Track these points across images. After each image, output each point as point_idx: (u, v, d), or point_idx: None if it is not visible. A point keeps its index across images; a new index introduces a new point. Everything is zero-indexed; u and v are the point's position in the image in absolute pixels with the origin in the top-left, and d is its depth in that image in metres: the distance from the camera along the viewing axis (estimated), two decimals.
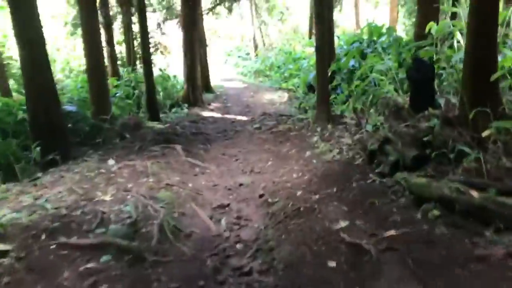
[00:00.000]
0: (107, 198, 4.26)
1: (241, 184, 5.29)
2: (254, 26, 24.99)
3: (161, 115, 11.86)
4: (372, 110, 6.40)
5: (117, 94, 10.69)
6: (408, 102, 5.21)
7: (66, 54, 18.70)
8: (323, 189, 4.24)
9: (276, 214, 4.00)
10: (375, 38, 10.31)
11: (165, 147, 6.76)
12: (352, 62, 8.57)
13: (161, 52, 18.17)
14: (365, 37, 10.83)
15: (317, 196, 4.07)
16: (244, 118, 11.30)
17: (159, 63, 18.98)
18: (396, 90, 6.28)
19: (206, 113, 12.28)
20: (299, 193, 4.37)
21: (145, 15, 10.86)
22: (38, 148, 6.16)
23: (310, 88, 11.97)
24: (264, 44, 25.62)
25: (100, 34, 8.82)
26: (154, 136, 7.76)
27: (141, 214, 3.90)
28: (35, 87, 6.60)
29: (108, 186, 4.71)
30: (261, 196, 4.74)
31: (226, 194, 5.01)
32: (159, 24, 17.31)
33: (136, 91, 11.60)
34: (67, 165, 5.92)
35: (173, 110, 12.72)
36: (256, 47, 25.08)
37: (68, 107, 7.95)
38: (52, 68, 14.29)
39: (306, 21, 19.95)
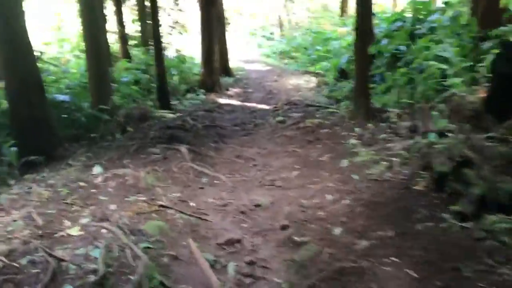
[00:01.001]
0: (74, 232, 3.15)
1: (258, 205, 4.10)
2: (280, 3, 23.45)
3: (174, 102, 10.79)
4: (432, 111, 5.07)
5: (124, 80, 9.57)
6: (483, 102, 3.90)
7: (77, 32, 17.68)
8: (373, 228, 3.03)
9: (306, 268, 2.81)
10: (421, 17, 8.84)
11: (168, 148, 5.61)
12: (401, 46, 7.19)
13: (179, 32, 16.95)
14: (409, 15, 9.36)
15: (365, 243, 2.86)
16: (266, 107, 10.07)
17: (176, 43, 17.85)
18: (464, 84, 4.94)
19: (223, 100, 11.10)
20: (337, 231, 3.16)
21: None
22: (13, 148, 5.12)
23: (342, 73, 10.62)
24: (290, 24, 24.10)
25: (100, 9, 7.66)
26: (159, 132, 6.63)
27: (114, 263, 2.77)
28: (14, 73, 5.53)
29: (83, 210, 3.60)
30: (284, 227, 3.54)
31: (237, 220, 3.84)
32: (176, 0, 16.06)
33: (146, 75, 10.46)
34: (45, 172, 4.85)
35: (188, 96, 11.59)
36: (281, 26, 23.57)
37: (60, 96, 6.88)
38: (61, 47, 13.37)
39: None
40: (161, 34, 13.53)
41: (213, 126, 7.80)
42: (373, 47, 7.97)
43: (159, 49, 9.48)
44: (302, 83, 13.29)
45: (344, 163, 4.68)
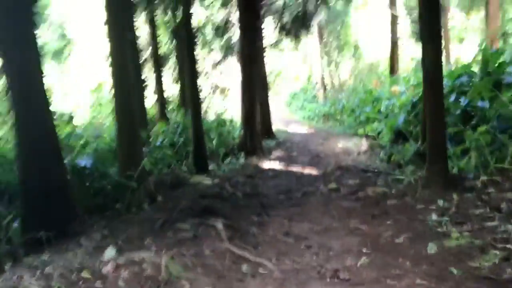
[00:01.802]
0: None
1: None
2: (323, 65, 23.10)
3: (211, 167, 9.99)
4: None
5: (158, 143, 8.90)
6: None
7: None
8: None
9: None
10: (490, 70, 7.79)
11: (201, 223, 4.63)
12: (478, 102, 6.10)
13: (220, 95, 16.61)
14: (475, 68, 8.33)
15: None
16: (314, 172, 9.04)
17: (216, 106, 17.48)
18: None
19: (265, 164, 10.17)
20: None
21: (193, 49, 9.18)
22: (15, 224, 4.29)
23: (398, 135, 9.53)
24: (333, 86, 23.55)
25: (133, 68, 7.09)
26: (191, 202, 5.69)
27: None
28: (26, 136, 4.85)
29: None
30: None
31: None
32: (216, 64, 15.83)
33: (181, 139, 9.77)
34: (48, 253, 3.95)
35: (227, 160, 10.77)
36: (324, 88, 23.04)
37: (82, 161, 6.15)
38: (97, 111, 13.11)
39: (385, 55, 17.71)
40: (200, 97, 13.15)
41: (255, 194, 6.81)
42: None
43: (196, 111, 8.82)
44: (351, 146, 12.24)
45: (432, 248, 3.51)
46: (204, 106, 16.48)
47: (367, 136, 13.22)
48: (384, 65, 20.70)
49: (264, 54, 14.04)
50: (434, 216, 4.22)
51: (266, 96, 14.03)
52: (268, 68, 25.90)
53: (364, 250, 3.95)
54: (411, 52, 18.54)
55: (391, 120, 9.45)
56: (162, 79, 12.76)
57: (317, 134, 15.63)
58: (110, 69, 6.74)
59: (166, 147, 9.21)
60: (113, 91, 6.85)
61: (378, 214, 4.88)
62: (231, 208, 5.55)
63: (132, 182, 6.53)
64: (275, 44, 15.12)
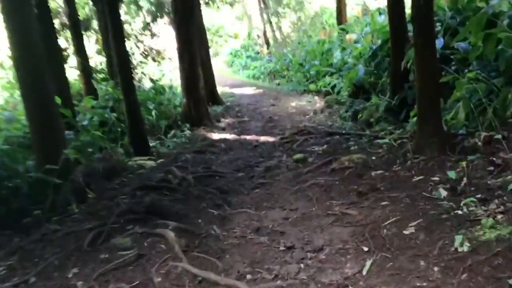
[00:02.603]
0: None
1: None
2: (263, 19, 21.77)
3: (153, 144, 8.78)
4: None
5: (85, 123, 7.54)
6: None
7: None
8: None
9: None
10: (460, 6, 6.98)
11: (146, 234, 3.52)
12: (460, 43, 5.23)
13: (153, 59, 15.04)
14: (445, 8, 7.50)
15: None
16: (271, 138, 8.10)
17: (152, 73, 15.91)
18: None
19: (215, 135, 9.10)
20: None
21: (116, 9, 7.69)
22: None
23: (359, 89, 8.70)
24: (276, 40, 22.38)
25: (36, 32, 5.57)
26: (131, 199, 4.56)
27: None
28: None
29: None
30: None
31: None
32: (147, 24, 14.17)
33: (114, 114, 8.41)
34: None
35: (171, 133, 9.55)
36: (267, 44, 21.84)
37: None
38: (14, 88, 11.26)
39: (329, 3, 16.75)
40: (131, 64, 11.70)
41: (209, 176, 5.75)
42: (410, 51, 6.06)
43: (127, 79, 7.48)
44: (306, 105, 11.40)
45: (461, 243, 2.64)
46: (138, 74, 14.92)
47: (320, 92, 12.42)
48: (328, 15, 19.76)
49: (201, 9, 12.62)
50: (442, 192, 3.37)
51: (207, 56, 12.72)
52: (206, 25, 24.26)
53: (364, 248, 3.05)
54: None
55: (350, 72, 8.57)
56: (86, 47, 11.06)
57: (266, 94, 14.65)
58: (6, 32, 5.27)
59: (95, 127, 7.85)
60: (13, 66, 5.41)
61: (365, 192, 3.99)
62: (182, 201, 4.47)
63: (53, 178, 5.27)
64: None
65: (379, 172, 4.36)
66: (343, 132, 6.60)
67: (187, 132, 9.58)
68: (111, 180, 5.96)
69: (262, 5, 21.47)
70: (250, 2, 21.93)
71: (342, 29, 12.30)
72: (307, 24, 20.37)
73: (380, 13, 9.01)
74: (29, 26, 5.23)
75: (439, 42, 5.92)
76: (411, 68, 6.38)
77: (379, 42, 8.29)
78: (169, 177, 5.44)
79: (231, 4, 19.15)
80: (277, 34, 23.26)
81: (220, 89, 15.55)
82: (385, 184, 4.02)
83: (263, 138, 8.26)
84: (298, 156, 5.88)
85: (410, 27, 6.61)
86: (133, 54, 14.76)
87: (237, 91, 15.81)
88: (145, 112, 9.87)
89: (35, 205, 4.97)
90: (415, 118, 4.81)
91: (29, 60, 5.16)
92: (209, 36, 27.11)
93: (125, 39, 13.79)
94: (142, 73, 14.67)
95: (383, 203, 3.63)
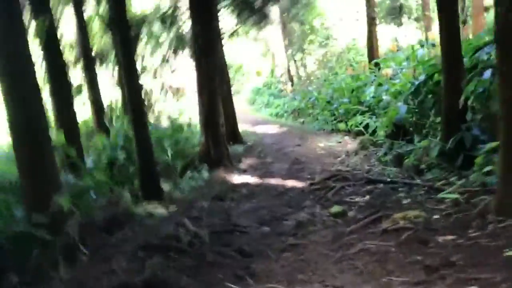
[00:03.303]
0: None
1: None
2: (287, 55, 21.25)
3: (167, 187, 7.92)
4: None
5: (89, 164, 6.76)
6: None
7: None
8: None
9: None
10: None
11: None
12: None
13: (173, 95, 14.44)
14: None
15: None
16: (299, 184, 7.15)
17: (170, 110, 15.30)
18: None
19: (236, 178, 8.21)
20: None
21: (129, 43, 7.02)
22: None
23: (398, 129, 7.75)
24: (300, 77, 21.74)
25: (29, 63, 4.84)
26: (129, 264, 3.64)
27: None
28: None
29: None
30: None
31: None
32: (165, 59, 13.65)
33: (123, 155, 7.62)
34: None
35: (187, 174, 8.69)
36: (291, 81, 21.22)
37: None
38: None
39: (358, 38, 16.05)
40: (144, 100, 11.04)
41: (228, 231, 4.81)
42: (472, 84, 5.14)
43: (138, 117, 6.71)
44: (336, 146, 10.46)
45: None
46: (155, 111, 14.32)
47: (350, 132, 11.51)
48: (354, 51, 19.11)
49: (222, 44, 12.03)
50: None
51: (229, 93, 12.02)
52: (227, 61, 23.90)
53: None
54: (385, 34, 16.99)
55: (389, 111, 7.65)
56: (100, 81, 10.49)
57: (291, 133, 13.77)
58: None
59: (100, 168, 7.06)
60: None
61: (436, 266, 2.99)
62: (193, 270, 3.52)
63: (42, 231, 4.43)
64: (233, 33, 13.13)
65: (449, 237, 3.36)
66: (388, 180, 5.60)
67: (205, 174, 8.70)
68: (112, 233, 5.09)
69: (286, 42, 21.01)
70: (274, 38, 21.51)
71: (376, 64, 11.48)
72: (333, 61, 19.77)
73: (421, 45, 8.17)
74: (22, 52, 4.53)
75: None
76: (469, 106, 5.47)
77: (422, 77, 7.39)
78: (179, 232, 4.52)
79: (255, 40, 18.65)
80: (301, 71, 22.68)
81: (241, 127, 14.81)
82: (463, 257, 3.01)
83: (289, 183, 7.32)
84: (336, 209, 4.91)
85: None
86: (151, 90, 14.25)
87: (260, 129, 15.00)
88: (161, 151, 9.13)
89: (18, 266, 4.13)
90: (488, 168, 3.84)
91: (18, 89, 4.42)
92: (230, 74, 26.94)
93: (142, 72, 13.31)
94: (159, 111, 14.06)
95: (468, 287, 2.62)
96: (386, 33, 16.89)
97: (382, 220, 4.11)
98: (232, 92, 14.56)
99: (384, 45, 16.26)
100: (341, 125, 11.75)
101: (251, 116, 19.55)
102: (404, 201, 4.65)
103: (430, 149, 5.63)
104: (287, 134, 13.54)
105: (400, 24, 16.21)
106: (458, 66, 5.46)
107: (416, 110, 7.32)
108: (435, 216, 3.89)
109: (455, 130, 5.52)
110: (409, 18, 16.21)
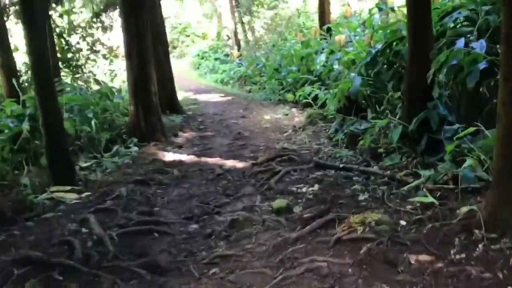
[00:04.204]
0: None
1: None
2: (234, 17, 19.89)
3: (88, 163, 6.85)
4: None
5: None
6: None
7: None
8: None
9: None
10: None
11: None
12: None
13: (104, 56, 12.91)
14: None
15: None
16: (240, 163, 6.26)
17: (103, 73, 13.78)
18: None
19: (169, 155, 7.16)
20: None
21: None
22: None
23: (352, 104, 6.94)
24: (248, 42, 20.53)
25: None
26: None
27: None
28: None
29: None
30: None
31: None
32: (96, 15, 12.04)
33: (27, 127, 6.33)
34: None
35: (113, 150, 7.52)
36: (238, 45, 19.96)
37: None
38: None
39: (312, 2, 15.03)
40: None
41: (144, 232, 3.81)
42: (442, 55, 4.31)
43: (44, 77, 5.43)
44: (282, 119, 9.59)
45: None
46: (84, 73, 12.79)
47: (298, 103, 10.68)
48: (306, 15, 18.09)
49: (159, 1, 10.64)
50: None
51: (166, 56, 10.70)
52: (170, 23, 22.14)
53: None
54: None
55: (343, 82, 6.79)
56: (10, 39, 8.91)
57: (235, 102, 12.76)
58: None
59: (3, 143, 5.80)
60: None
61: None
62: None
63: None
64: None
65: (425, 258, 2.56)
66: (340, 166, 4.77)
67: (134, 149, 7.58)
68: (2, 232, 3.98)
69: (234, 2, 19.60)
70: None
71: (328, 30, 10.56)
72: (282, 25, 18.66)
73: (379, 9, 7.30)
74: None
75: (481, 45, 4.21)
76: (437, 81, 4.69)
77: (379, 45, 6.56)
78: (76, 238, 3.47)
79: (201, 0, 17.21)
80: (249, 35, 21.45)
81: (182, 95, 13.62)
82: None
83: (229, 163, 6.39)
84: (279, 203, 4.02)
85: None
86: (80, 50, 12.66)
87: (202, 97, 13.86)
88: (85, 120, 7.87)
89: None
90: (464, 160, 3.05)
91: None
92: (174, 35, 25.19)
93: (69, 30, 11.68)
94: (90, 72, 12.55)
95: None
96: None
97: (335, 225, 3.26)
98: (175, 55, 13.29)
99: (336, 11, 15.40)
100: (289, 96, 10.86)
101: (194, 82, 18.27)
102: (361, 197, 3.83)
103: (390, 130, 4.83)
104: (232, 103, 12.52)
105: None
106: (426, 33, 4.63)
107: (372, 82, 6.52)
108: (402, 222, 3.09)
109: (419, 108, 4.74)
110: None
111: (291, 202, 4.06)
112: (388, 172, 4.35)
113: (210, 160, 6.71)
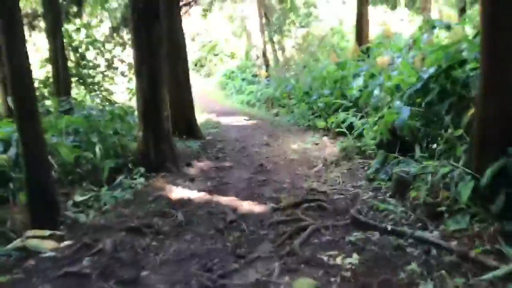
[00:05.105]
0: None
1: None
2: (264, 36, 19.01)
3: (85, 196, 5.95)
4: None
5: None
6: None
7: None
8: None
9: None
10: None
11: None
12: None
13: (122, 73, 12.17)
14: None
15: None
16: (258, 207, 5.21)
17: (119, 92, 13.06)
18: None
19: (177, 190, 6.16)
20: None
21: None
22: None
23: (396, 138, 5.80)
24: (278, 62, 19.59)
25: None
26: None
27: None
28: None
29: None
30: None
31: None
32: (114, 29, 11.34)
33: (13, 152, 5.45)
34: None
35: (118, 180, 6.59)
36: (267, 65, 19.05)
37: None
38: None
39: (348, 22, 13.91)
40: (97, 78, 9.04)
41: None
42: None
43: (24, 96, 4.54)
44: (312, 149, 8.48)
45: None
46: (102, 91, 12.06)
47: (329, 131, 9.59)
48: (341, 34, 17.05)
49: (182, 13, 9.82)
50: None
51: (186, 75, 9.80)
52: (198, 40, 21.50)
53: None
54: (374, 18, 14.96)
55: (387, 112, 5.67)
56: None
57: (260, 127, 11.76)
58: None
59: None
60: None
61: None
62: None
63: None
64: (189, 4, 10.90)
65: None
66: (388, 227, 3.62)
67: (139, 181, 6.63)
68: None
69: (264, 20, 18.76)
70: (251, 16, 19.22)
71: (367, 50, 9.48)
72: (315, 45, 17.67)
73: (433, 26, 6.17)
74: None
75: None
76: None
77: (432, 69, 5.44)
78: None
79: (230, 18, 16.46)
80: (279, 55, 20.52)
81: (204, 117, 12.74)
82: None
83: (246, 205, 5.33)
84: (304, 284, 2.91)
85: None
86: (97, 66, 11.97)
87: (225, 120, 12.92)
88: (89, 145, 7.06)
89: None
90: None
91: None
92: (203, 53, 24.53)
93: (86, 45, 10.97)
94: (107, 90, 11.81)
95: None
96: (375, 17, 14.89)
97: None
98: (202, 74, 12.45)
99: (373, 32, 14.32)
100: (320, 122, 9.79)
101: (219, 103, 17.44)
102: (422, 286, 2.68)
103: (452, 181, 3.68)
104: (256, 128, 11.51)
105: (394, 6, 14.19)
106: (509, 57, 3.48)
107: (422, 114, 5.39)
108: None
109: (494, 154, 3.57)
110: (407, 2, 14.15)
111: (320, 282, 2.95)
112: (455, 242, 3.19)
113: (224, 199, 5.67)
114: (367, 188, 5.23)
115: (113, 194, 6.10)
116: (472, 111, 4.43)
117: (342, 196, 5.13)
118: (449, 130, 4.48)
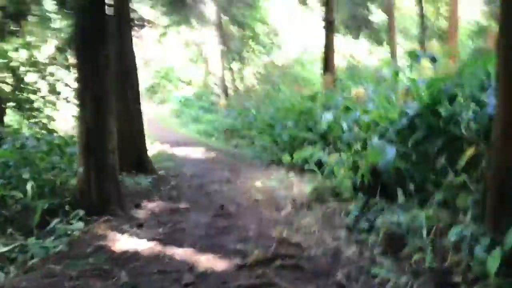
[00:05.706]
0: None
1: None
2: (223, 63, 18.39)
3: (6, 249, 4.94)
4: None
5: None
6: None
7: None
8: None
9: None
10: None
11: None
12: None
13: (66, 99, 11.10)
14: None
15: None
16: (220, 263, 4.38)
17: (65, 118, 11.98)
18: None
19: (122, 240, 5.23)
20: None
21: None
22: None
23: (376, 180, 5.18)
24: (237, 91, 18.99)
25: None
26: None
27: None
28: None
29: None
30: None
31: None
32: (59, 50, 10.34)
33: None
34: None
35: (51, 225, 5.58)
36: (226, 93, 18.40)
37: None
38: None
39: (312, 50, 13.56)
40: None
41: None
42: None
43: None
44: (277, 188, 7.73)
45: None
46: (42, 118, 10.93)
47: (294, 167, 8.91)
48: (301, 66, 16.72)
49: (134, 34, 9.02)
50: None
51: (137, 103, 8.89)
52: (152, 67, 20.69)
53: None
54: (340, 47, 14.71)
55: (369, 153, 5.04)
56: None
57: (219, 160, 10.96)
58: None
59: None
60: None
61: None
62: None
63: None
64: (141, 24, 10.16)
65: None
66: None
67: (77, 226, 5.66)
68: None
69: (223, 47, 18.15)
70: (208, 42, 18.59)
71: (334, 81, 9.00)
72: (276, 74, 17.25)
73: (414, 56, 5.65)
74: None
75: None
76: None
77: (415, 105, 4.91)
78: None
79: (186, 44, 15.78)
80: (239, 83, 19.96)
81: (156, 148, 11.81)
82: None
83: (205, 260, 4.48)
84: None
85: None
86: (38, 90, 10.87)
87: (180, 151, 12.03)
88: (17, 184, 6.11)
89: None
90: None
91: None
92: (156, 79, 23.65)
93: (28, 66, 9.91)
94: (48, 117, 10.69)
95: None
96: (339, 47, 14.68)
97: None
98: (155, 101, 11.59)
99: (338, 61, 14.02)
100: (285, 157, 9.11)
101: (174, 132, 16.52)
102: None
103: (464, 243, 3.02)
104: (215, 162, 10.70)
105: (357, 36, 14.06)
106: None
107: (411, 156, 4.79)
108: None
109: None
110: (369, 33, 14.00)
111: None
112: None
113: (178, 252, 4.79)
114: (349, 241, 4.51)
115: (43, 243, 5.11)
116: (470, 152, 3.88)
117: (320, 250, 4.39)
118: (449, 177, 3.86)
